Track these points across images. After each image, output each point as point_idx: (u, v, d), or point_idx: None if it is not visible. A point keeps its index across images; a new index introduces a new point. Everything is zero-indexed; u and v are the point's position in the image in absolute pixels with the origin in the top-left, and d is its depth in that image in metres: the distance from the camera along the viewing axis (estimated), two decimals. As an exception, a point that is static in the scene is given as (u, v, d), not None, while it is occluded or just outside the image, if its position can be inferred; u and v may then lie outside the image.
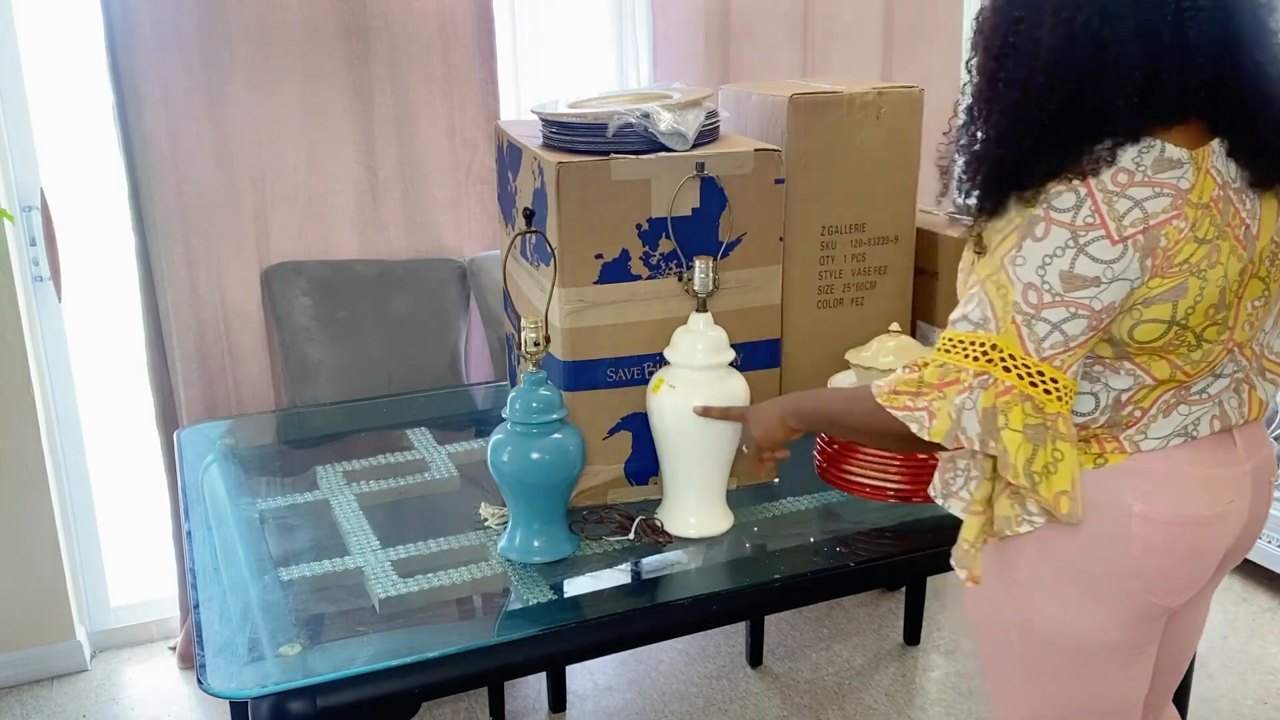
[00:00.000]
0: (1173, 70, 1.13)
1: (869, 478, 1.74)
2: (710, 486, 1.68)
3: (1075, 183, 1.13)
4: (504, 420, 1.59)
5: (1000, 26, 1.21)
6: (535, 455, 1.56)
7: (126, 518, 2.87)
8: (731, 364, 1.67)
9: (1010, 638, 1.37)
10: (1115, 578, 1.30)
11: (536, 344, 1.56)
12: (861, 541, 1.71)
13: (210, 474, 1.96)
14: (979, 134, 1.24)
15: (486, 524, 1.72)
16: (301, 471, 1.95)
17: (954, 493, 1.34)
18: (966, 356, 1.19)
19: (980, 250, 1.25)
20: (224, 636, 1.43)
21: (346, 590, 1.56)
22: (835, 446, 1.78)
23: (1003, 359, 1.17)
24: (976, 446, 1.20)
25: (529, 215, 1.64)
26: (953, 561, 1.34)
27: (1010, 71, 1.18)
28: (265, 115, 2.47)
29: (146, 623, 2.80)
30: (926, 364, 1.24)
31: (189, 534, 1.73)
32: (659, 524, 1.67)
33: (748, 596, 1.61)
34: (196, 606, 1.51)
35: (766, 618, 2.80)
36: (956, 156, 1.37)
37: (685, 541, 1.66)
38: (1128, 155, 1.14)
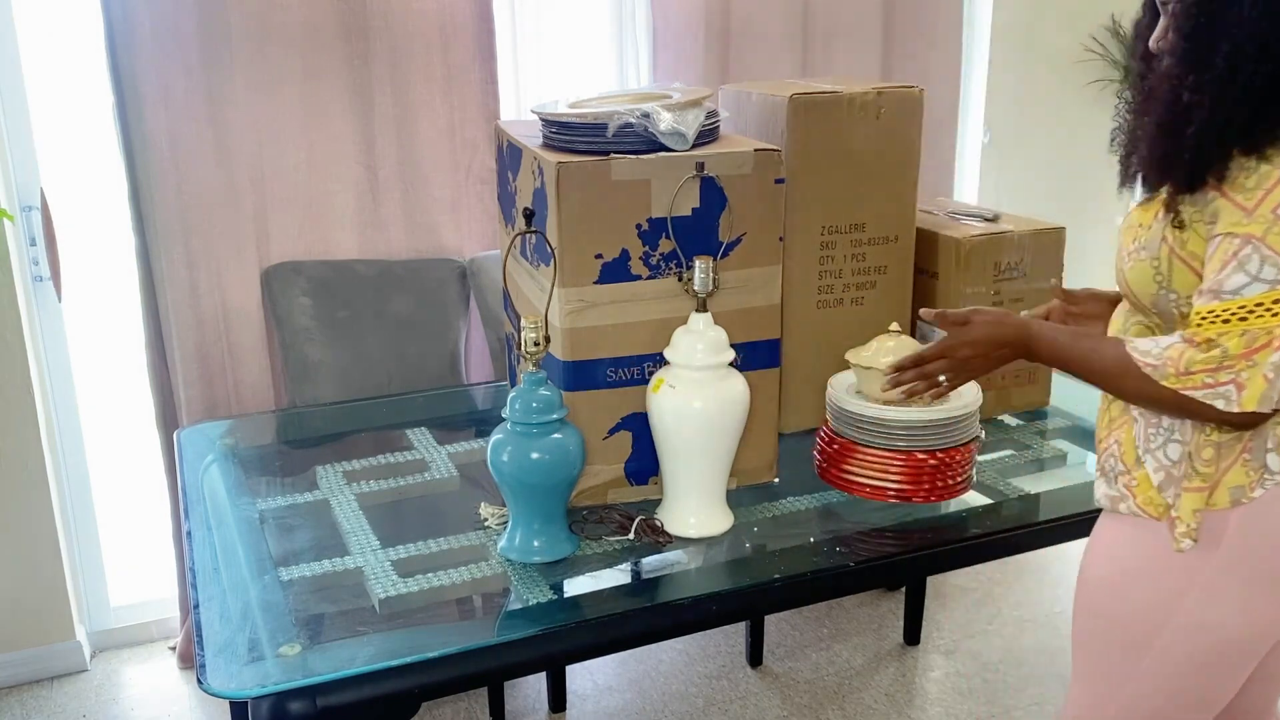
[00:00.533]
0: None
1: (869, 478, 1.75)
2: (710, 486, 1.68)
3: None
4: (504, 420, 1.59)
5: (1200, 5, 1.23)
6: (535, 455, 1.56)
7: (126, 518, 2.87)
8: (731, 364, 1.67)
9: (1164, 633, 1.34)
10: None
11: (536, 344, 1.56)
12: (861, 541, 1.71)
13: (210, 474, 1.96)
14: (1188, 104, 1.24)
15: (486, 524, 1.72)
16: (301, 471, 1.95)
17: (1151, 450, 1.33)
18: (1275, 316, 1.17)
19: (1179, 224, 1.26)
20: (224, 636, 1.43)
21: (346, 590, 1.56)
22: (835, 446, 1.79)
23: None
24: None
25: (529, 215, 1.64)
26: (1178, 534, 1.29)
27: (1219, 47, 1.20)
28: (265, 115, 2.47)
29: (146, 623, 2.80)
30: (1209, 339, 1.20)
31: (189, 534, 1.73)
32: (659, 524, 1.67)
33: (748, 596, 1.61)
34: (196, 606, 1.51)
35: (766, 618, 2.80)
36: (1144, 137, 1.34)
37: (685, 541, 1.67)
38: None
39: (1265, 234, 1.18)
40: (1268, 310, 1.18)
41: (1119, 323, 1.44)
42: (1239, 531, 1.29)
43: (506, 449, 1.57)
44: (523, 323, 1.57)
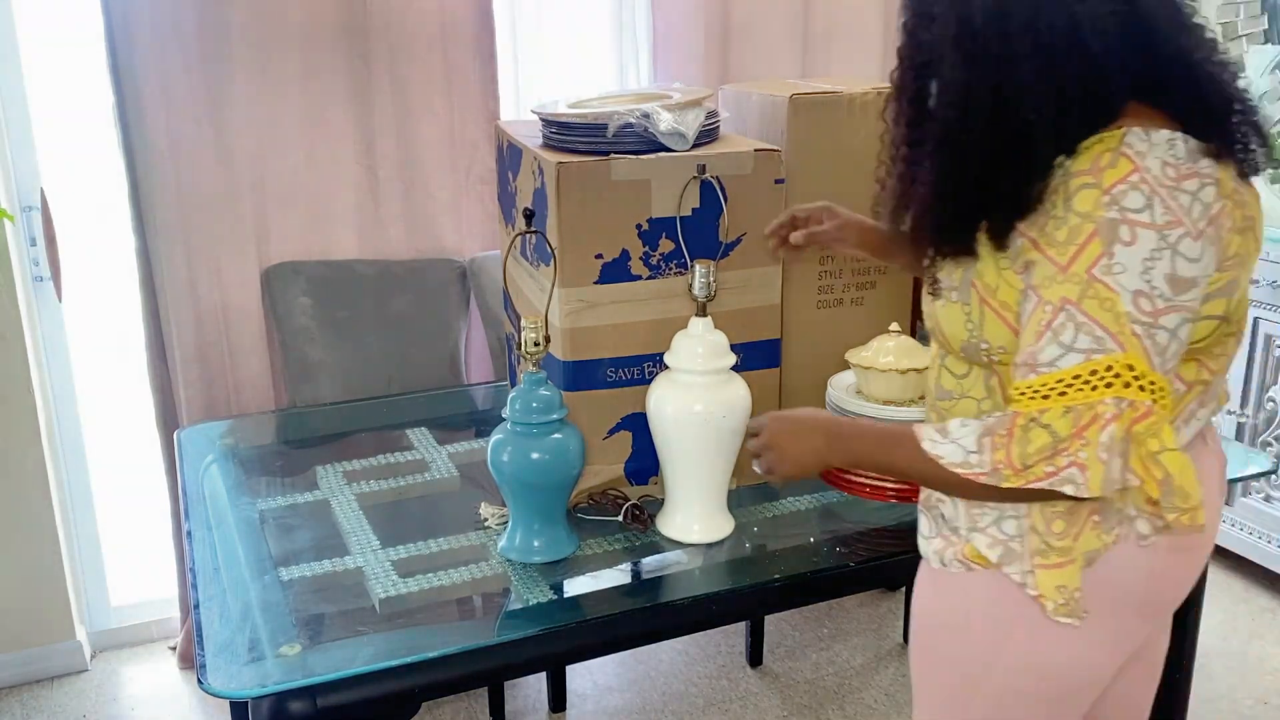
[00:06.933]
0: (1081, 85, 1.09)
1: (869, 478, 1.74)
2: (712, 492, 1.67)
3: (1133, 178, 1.05)
4: (504, 420, 1.59)
5: (909, 88, 1.19)
6: (535, 455, 1.56)
7: (126, 518, 2.87)
8: (732, 367, 1.66)
9: (992, 674, 1.29)
10: (1125, 607, 1.25)
11: (536, 344, 1.56)
12: (861, 541, 1.71)
13: (210, 474, 1.96)
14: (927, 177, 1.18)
15: (486, 524, 1.72)
16: (301, 471, 1.95)
17: (981, 529, 1.24)
18: (1094, 389, 1.06)
19: (935, 292, 1.22)
20: (224, 636, 1.43)
21: (346, 590, 1.56)
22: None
23: (1135, 378, 1.05)
24: (1125, 483, 1.08)
25: (529, 215, 1.64)
26: (1062, 616, 1.19)
27: (940, 127, 1.15)
28: (265, 115, 2.47)
29: (146, 623, 2.80)
30: (1029, 422, 1.09)
31: (189, 534, 1.73)
32: (645, 514, 1.68)
33: (748, 596, 1.61)
34: (196, 606, 1.51)
35: (766, 618, 2.80)
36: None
37: (688, 546, 1.66)
38: (1162, 147, 1.07)
39: (1080, 298, 1.07)
40: (1085, 383, 1.06)
41: (934, 364, 1.34)
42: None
43: (507, 449, 1.57)
44: (523, 323, 1.57)
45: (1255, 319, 2.87)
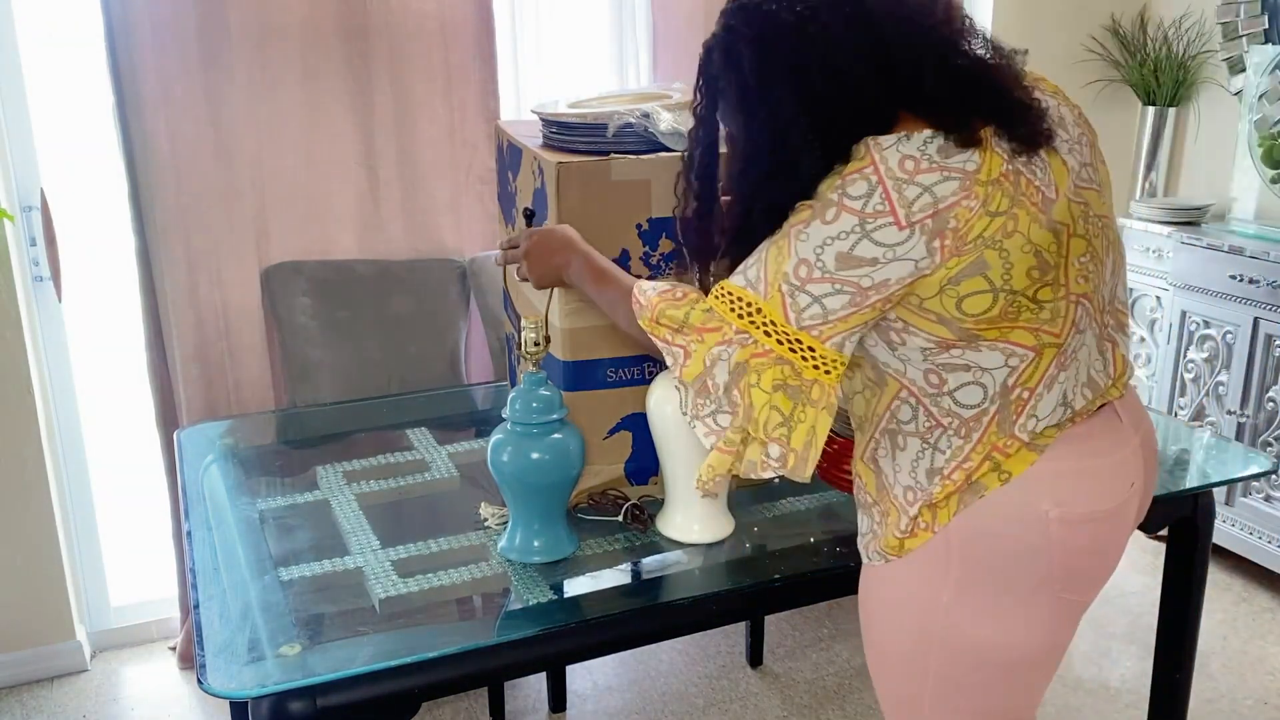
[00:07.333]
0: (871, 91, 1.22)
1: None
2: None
3: (867, 170, 1.18)
4: (504, 420, 1.59)
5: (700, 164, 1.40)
6: (535, 455, 1.56)
7: (126, 518, 2.87)
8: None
9: (930, 659, 1.34)
10: (1039, 584, 1.30)
11: (536, 344, 1.56)
12: (861, 541, 1.71)
13: (210, 474, 1.96)
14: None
15: (486, 524, 1.72)
16: (301, 471, 1.95)
17: (701, 417, 1.34)
18: (733, 311, 1.25)
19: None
20: (224, 636, 1.43)
21: (346, 590, 1.56)
22: (835, 446, 1.78)
23: (765, 323, 1.23)
24: (721, 394, 1.25)
25: (529, 215, 1.64)
26: (699, 485, 1.32)
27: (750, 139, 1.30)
28: (265, 115, 2.47)
29: (146, 623, 2.80)
30: (695, 302, 1.29)
31: (189, 534, 1.73)
32: (645, 514, 1.68)
33: (748, 596, 1.61)
34: (196, 606, 1.51)
35: (766, 618, 2.80)
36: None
37: (687, 546, 1.66)
38: (913, 144, 1.18)
39: (773, 241, 1.24)
40: (730, 304, 1.25)
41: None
42: (963, 541, 1.29)
43: (507, 449, 1.57)
44: (523, 323, 1.57)
45: (1255, 319, 2.87)
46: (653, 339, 1.33)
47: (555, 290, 1.66)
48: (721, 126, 1.37)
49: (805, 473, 1.26)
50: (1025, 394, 1.25)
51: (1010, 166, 1.20)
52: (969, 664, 1.34)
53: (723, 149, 1.39)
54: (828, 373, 1.23)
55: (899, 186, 1.17)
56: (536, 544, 1.61)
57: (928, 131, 1.19)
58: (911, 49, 1.22)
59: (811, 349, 1.22)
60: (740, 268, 1.27)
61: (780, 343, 1.22)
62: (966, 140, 1.19)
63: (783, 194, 1.25)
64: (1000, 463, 1.27)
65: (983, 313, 1.21)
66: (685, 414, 1.35)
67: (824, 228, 1.20)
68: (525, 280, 1.64)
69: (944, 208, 1.17)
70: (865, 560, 1.39)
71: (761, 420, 1.24)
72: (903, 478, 1.31)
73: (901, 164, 1.18)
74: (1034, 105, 1.25)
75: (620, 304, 1.43)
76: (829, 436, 1.80)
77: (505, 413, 1.58)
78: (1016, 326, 1.23)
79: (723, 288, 1.27)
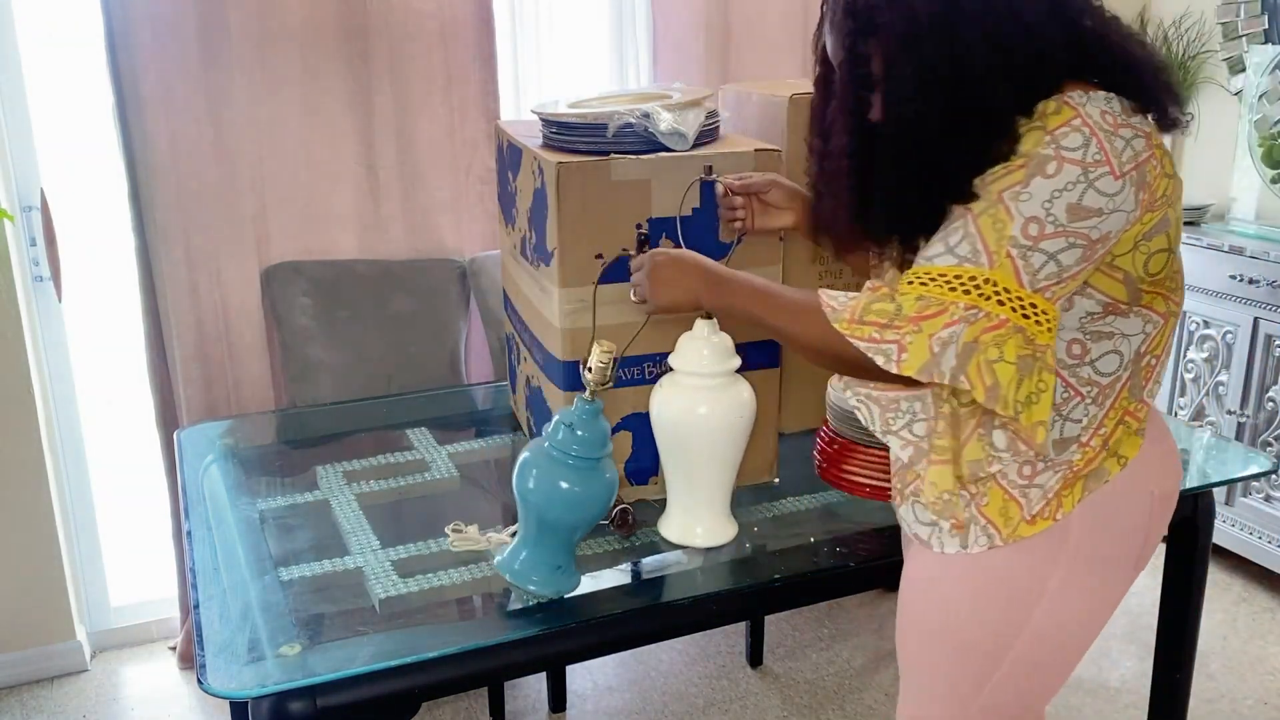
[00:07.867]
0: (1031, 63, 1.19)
1: (869, 478, 1.74)
2: (717, 495, 1.66)
3: (1075, 121, 1.17)
4: (539, 437, 1.48)
5: (849, 99, 1.30)
6: (565, 485, 1.44)
7: (126, 518, 2.87)
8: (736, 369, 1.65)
9: (1016, 644, 1.34)
10: (1134, 562, 1.36)
11: (605, 375, 1.45)
12: (861, 541, 1.71)
13: (210, 474, 1.96)
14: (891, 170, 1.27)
15: (488, 548, 1.72)
16: (301, 471, 1.95)
17: (894, 430, 1.34)
18: (953, 290, 1.18)
19: (905, 267, 1.28)
20: (224, 636, 1.43)
21: (346, 590, 1.56)
22: (835, 446, 1.78)
23: (996, 293, 1.17)
24: (947, 380, 1.19)
25: (708, 170, 1.64)
26: (932, 513, 1.31)
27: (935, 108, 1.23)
28: (265, 115, 2.47)
29: (146, 623, 2.81)
30: (903, 293, 1.22)
31: (189, 534, 1.73)
32: (630, 518, 1.67)
33: (748, 596, 1.61)
34: (196, 606, 1.51)
35: (766, 618, 2.80)
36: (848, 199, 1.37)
37: (689, 549, 1.66)
38: (1103, 100, 1.19)
39: (981, 213, 1.19)
40: (947, 284, 1.19)
41: None
42: (1082, 529, 1.31)
43: (533, 471, 1.45)
44: (597, 347, 1.47)
45: (1255, 319, 2.87)
46: (853, 341, 1.23)
47: (555, 290, 1.66)
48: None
49: (1049, 445, 1.27)
50: (1153, 360, 1.31)
51: (1159, 137, 1.24)
52: (1052, 646, 1.36)
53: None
54: (1052, 333, 1.20)
55: (1108, 137, 1.17)
56: (535, 577, 1.48)
57: (1104, 93, 1.20)
58: (1091, 15, 1.25)
59: (1045, 312, 1.19)
60: (937, 250, 1.21)
61: (1015, 310, 1.17)
62: (1135, 107, 1.21)
63: (960, 149, 1.20)
64: (1122, 441, 1.31)
65: (1159, 272, 1.26)
66: (875, 430, 1.34)
67: (1047, 182, 1.17)
68: (641, 302, 1.52)
69: (1141, 161, 1.19)
70: (938, 549, 1.35)
71: (1010, 396, 1.19)
72: (1020, 453, 1.30)
73: (1103, 116, 1.18)
74: (1173, 89, 1.27)
75: (803, 314, 1.31)
76: (830, 436, 1.80)
77: (545, 433, 1.47)
78: (1159, 294, 1.28)
79: (927, 273, 1.21)
